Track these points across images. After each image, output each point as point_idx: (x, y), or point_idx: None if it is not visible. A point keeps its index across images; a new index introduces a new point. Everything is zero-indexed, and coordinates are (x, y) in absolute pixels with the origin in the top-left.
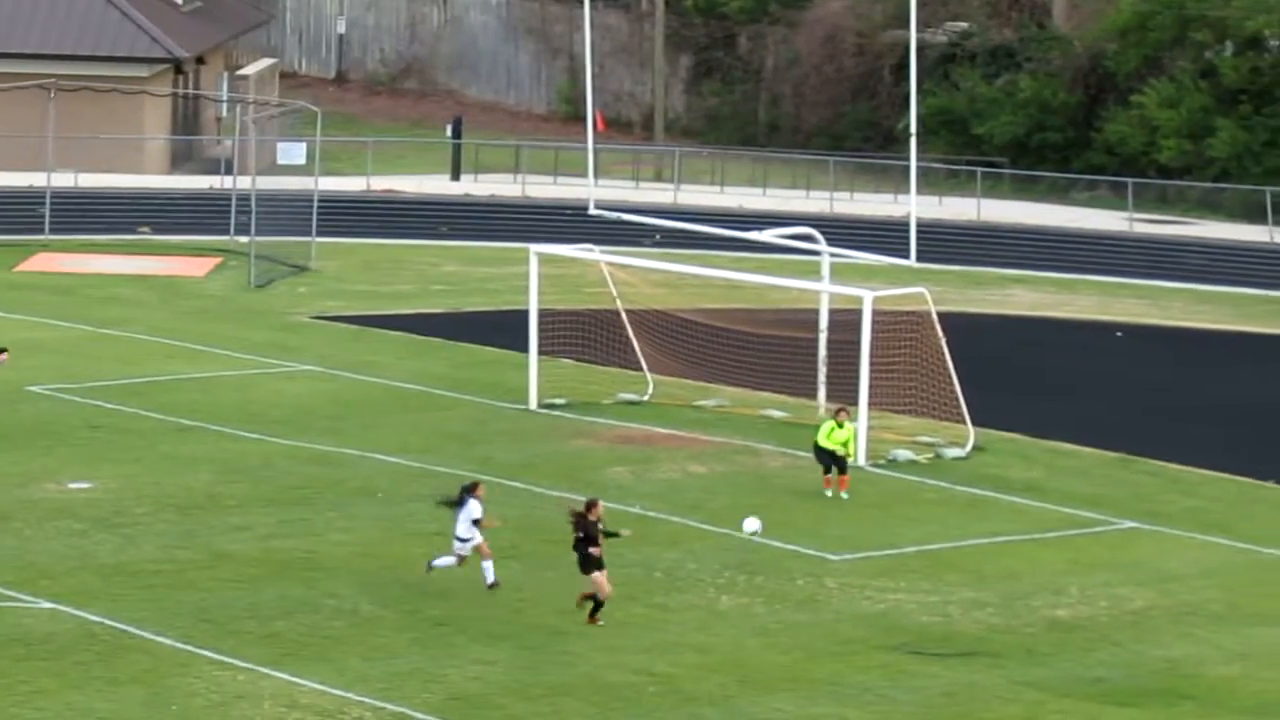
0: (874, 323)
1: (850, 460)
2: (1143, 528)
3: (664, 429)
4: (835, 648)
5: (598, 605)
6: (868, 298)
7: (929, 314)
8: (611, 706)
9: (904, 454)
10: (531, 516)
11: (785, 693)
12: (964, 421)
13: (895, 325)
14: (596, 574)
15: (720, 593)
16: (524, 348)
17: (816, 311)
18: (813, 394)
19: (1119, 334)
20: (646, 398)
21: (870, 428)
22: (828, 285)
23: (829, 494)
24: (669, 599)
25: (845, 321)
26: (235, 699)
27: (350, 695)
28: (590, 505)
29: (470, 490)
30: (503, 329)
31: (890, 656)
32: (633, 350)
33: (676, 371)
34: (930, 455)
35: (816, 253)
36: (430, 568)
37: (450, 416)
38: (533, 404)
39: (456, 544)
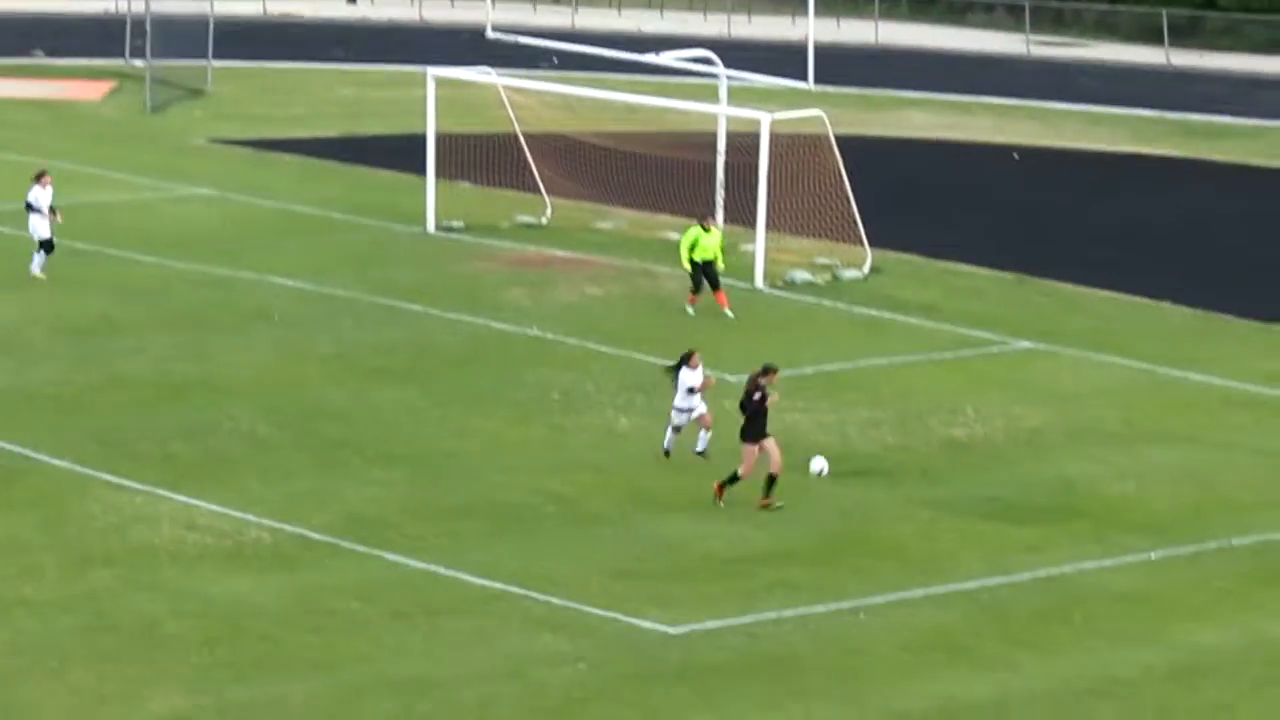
0: (771, 145)
1: (721, 270)
2: (1038, 347)
3: (562, 251)
4: (733, 467)
5: (768, 479)
6: (765, 120)
7: (826, 137)
8: (509, 527)
9: (801, 275)
10: (430, 340)
11: (683, 512)
12: (861, 243)
13: (793, 148)
14: (764, 443)
15: (619, 414)
16: (421, 171)
17: (714, 134)
18: (711, 216)
19: (1015, 156)
20: (544, 220)
21: (768, 250)
22: (725, 108)
23: (691, 311)
24: (567, 420)
25: (743, 144)
26: (133, 521)
27: (248, 517)
28: (767, 371)
29: (685, 360)
30: (400, 152)
31: (787, 476)
32: (530, 173)
33: (574, 194)
34: (827, 277)
35: (714, 75)
36: (667, 453)
37: (347, 239)
38: (430, 227)
39: (675, 414)
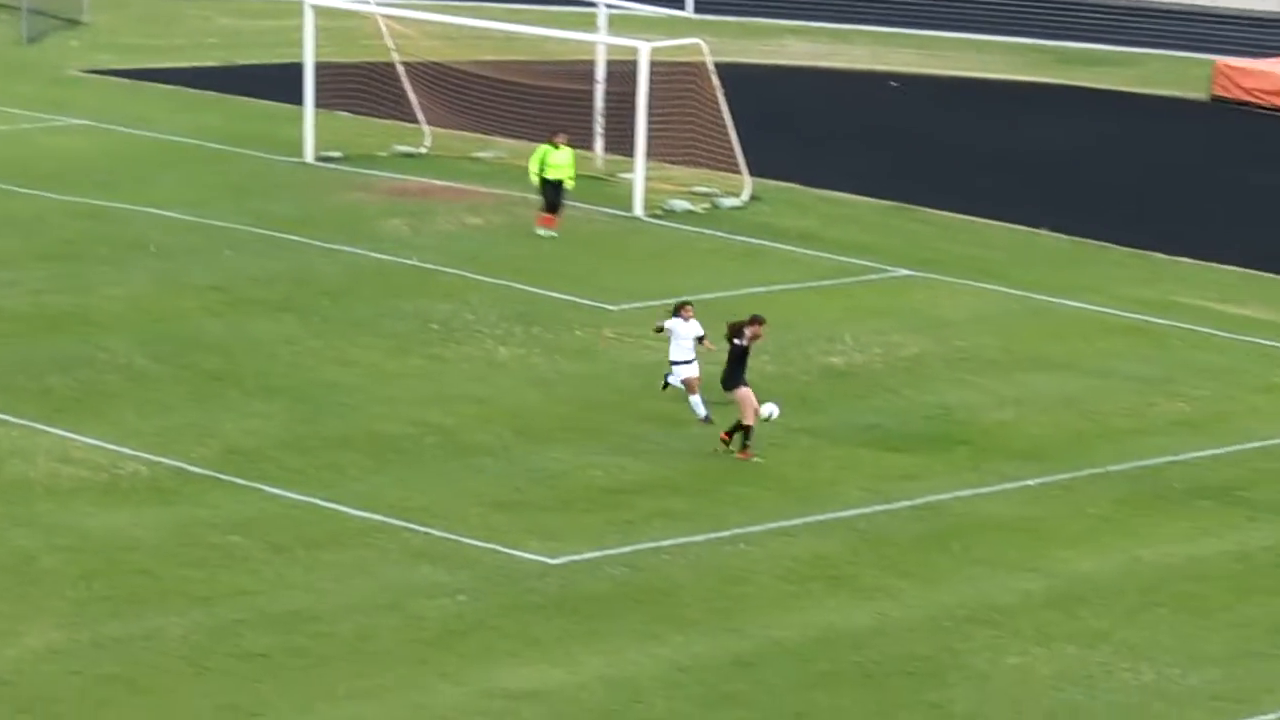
0: (650, 74)
1: (569, 190)
2: (917, 275)
3: (441, 181)
4: (613, 398)
5: (743, 431)
6: (644, 49)
7: (705, 65)
8: (389, 458)
9: (681, 204)
10: (308, 270)
11: (563, 443)
12: (740, 171)
13: (672, 77)
14: (743, 389)
15: (498, 344)
16: (300, 101)
17: (593, 63)
18: (589, 145)
19: (894, 84)
20: (423, 150)
21: (647, 179)
22: (604, 36)
23: (543, 233)
24: (446, 350)
25: (622, 73)
26: (8, 455)
27: (125, 450)
28: (754, 320)
29: (676, 311)
30: (278, 82)
31: (666, 406)
32: (409, 103)
33: (454, 124)
34: (707, 205)
35: (593, 4)
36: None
37: (225, 170)
38: (309, 157)
39: (673, 370)
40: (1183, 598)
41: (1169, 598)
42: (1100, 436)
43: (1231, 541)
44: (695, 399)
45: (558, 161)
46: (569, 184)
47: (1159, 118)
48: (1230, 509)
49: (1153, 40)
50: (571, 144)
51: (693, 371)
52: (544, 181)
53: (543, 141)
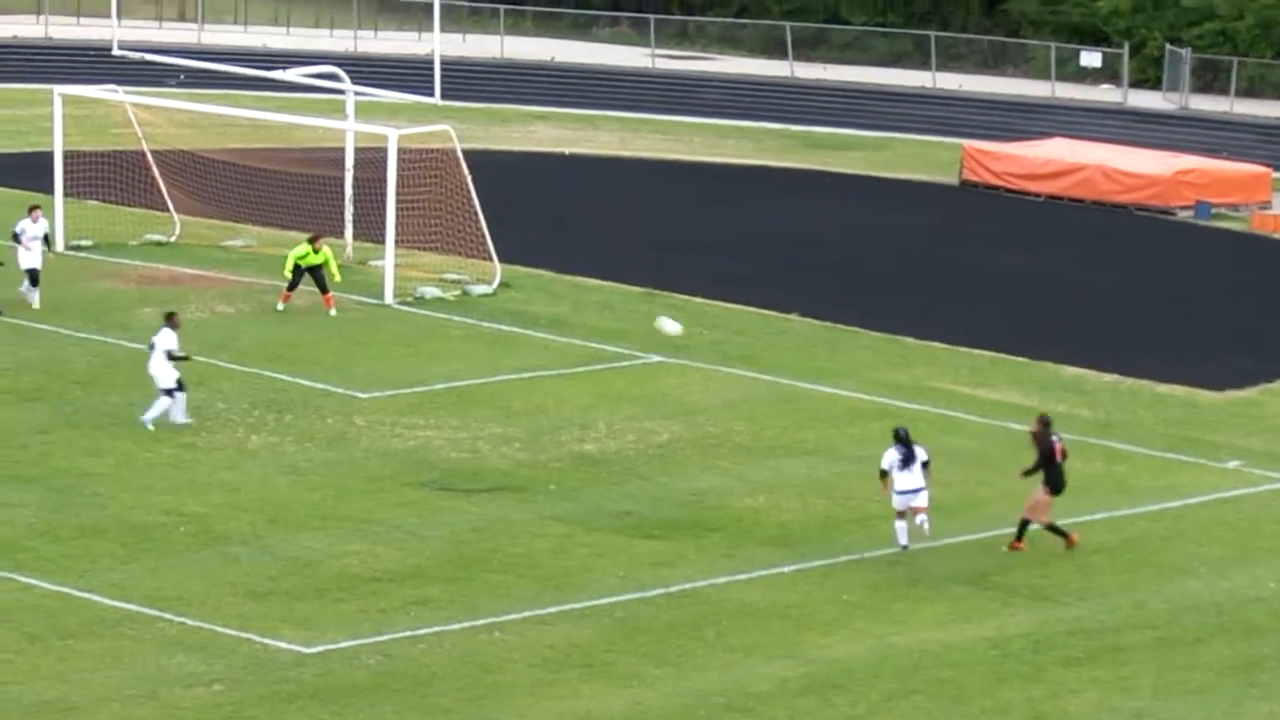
0: (399, 161)
1: (335, 280)
2: (668, 361)
3: (191, 269)
4: (365, 485)
5: (1056, 529)
6: (392, 136)
7: (454, 151)
8: (143, 547)
9: (431, 291)
10: (60, 359)
11: (315, 530)
12: (490, 258)
13: (421, 163)
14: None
15: (250, 432)
16: (49, 189)
17: (342, 150)
18: (340, 232)
19: (565, 152)
20: (173, 238)
21: (397, 266)
22: (353, 124)
23: (281, 307)
24: (198, 439)
25: (371, 159)
26: None
27: None
28: (1046, 421)
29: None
30: (27, 170)
31: (419, 493)
32: (159, 191)
33: (203, 212)
34: (457, 292)
35: (341, 91)
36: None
37: None
38: (59, 246)
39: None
40: (939, 684)
41: (925, 684)
42: (854, 522)
43: (988, 628)
44: (904, 525)
45: (314, 260)
46: (336, 277)
47: (909, 202)
48: (986, 595)
49: (900, 124)
50: (324, 238)
51: (923, 501)
52: (298, 269)
53: (294, 230)
